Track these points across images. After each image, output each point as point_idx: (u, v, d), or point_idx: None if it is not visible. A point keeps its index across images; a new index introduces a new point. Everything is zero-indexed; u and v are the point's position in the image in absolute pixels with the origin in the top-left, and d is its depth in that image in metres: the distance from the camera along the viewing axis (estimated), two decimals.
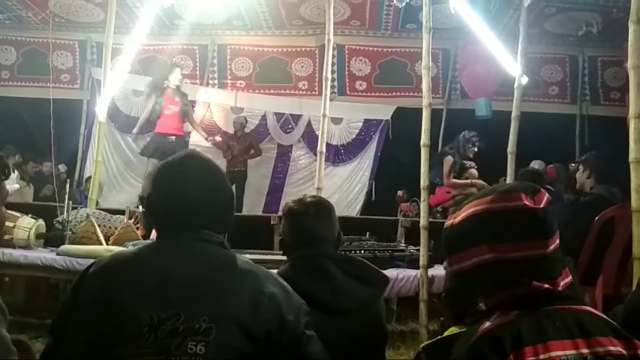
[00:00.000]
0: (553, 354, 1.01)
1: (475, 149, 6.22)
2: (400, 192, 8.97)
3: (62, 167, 8.11)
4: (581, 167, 3.69)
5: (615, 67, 8.29)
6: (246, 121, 8.12)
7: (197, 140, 8.24)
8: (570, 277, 1.14)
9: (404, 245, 4.98)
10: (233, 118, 8.24)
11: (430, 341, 1.72)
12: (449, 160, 6.03)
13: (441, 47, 8.18)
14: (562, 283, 1.12)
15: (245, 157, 7.86)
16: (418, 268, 4.27)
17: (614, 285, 2.90)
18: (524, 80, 5.46)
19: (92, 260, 1.38)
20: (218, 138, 7.54)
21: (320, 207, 1.93)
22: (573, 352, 1.02)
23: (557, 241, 1.13)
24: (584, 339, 1.03)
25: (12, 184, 7.30)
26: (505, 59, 5.88)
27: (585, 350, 1.02)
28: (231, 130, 8.13)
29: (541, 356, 1.01)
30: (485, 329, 1.07)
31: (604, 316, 1.11)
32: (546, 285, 1.09)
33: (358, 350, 1.78)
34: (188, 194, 1.36)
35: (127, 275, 1.28)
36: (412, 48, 7.94)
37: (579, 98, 8.48)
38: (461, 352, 1.07)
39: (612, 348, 1.03)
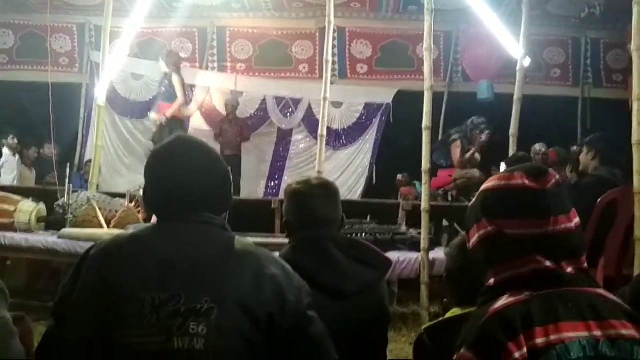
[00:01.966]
0: (564, 335, 1.00)
1: (483, 137, 6.18)
2: (400, 176, 8.95)
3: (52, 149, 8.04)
4: (585, 149, 3.67)
5: (617, 50, 8.23)
6: (238, 103, 8.03)
7: (198, 125, 8.23)
8: (585, 262, 1.13)
9: (405, 228, 4.99)
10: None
11: (432, 323, 1.73)
12: (457, 145, 6.00)
13: (443, 29, 8.10)
14: (570, 265, 1.10)
15: (237, 140, 7.78)
16: (419, 251, 4.28)
17: (616, 266, 2.91)
18: (526, 62, 5.43)
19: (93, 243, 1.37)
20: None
21: (327, 190, 1.91)
22: (585, 333, 1.01)
23: (567, 224, 1.12)
24: (597, 322, 1.03)
25: (13, 168, 7.30)
26: (507, 41, 5.84)
27: (597, 333, 1.01)
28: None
29: (552, 337, 1.00)
30: (495, 309, 1.06)
31: (617, 299, 1.10)
32: (547, 263, 1.08)
33: (360, 333, 1.78)
34: (179, 178, 1.35)
35: (127, 257, 1.27)
36: (414, 30, 7.85)
37: (581, 80, 8.43)
38: (471, 332, 1.07)
39: (624, 331, 1.02)
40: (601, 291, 1.10)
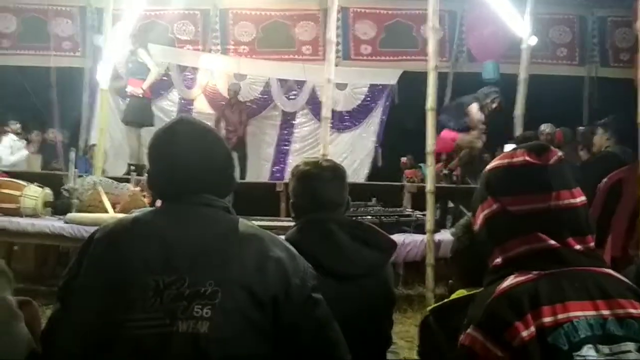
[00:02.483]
0: (572, 314, 1.00)
1: (495, 105, 6.16)
2: (404, 159, 8.93)
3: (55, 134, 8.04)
4: (600, 130, 3.66)
5: (625, 28, 8.12)
6: (240, 88, 7.99)
7: (201, 108, 8.21)
8: (592, 242, 1.12)
9: (410, 210, 4.99)
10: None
11: (438, 304, 1.73)
12: (474, 107, 5.95)
13: (448, 8, 7.99)
14: (577, 243, 1.10)
15: (241, 125, 7.75)
16: (424, 233, 4.28)
17: (622, 247, 2.89)
18: (532, 41, 5.37)
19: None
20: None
21: (335, 172, 1.90)
22: (593, 312, 1.01)
23: (570, 199, 1.11)
24: (605, 300, 1.02)
25: (21, 152, 7.32)
26: (513, 20, 5.76)
27: (605, 312, 1.01)
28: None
29: (559, 316, 1.00)
30: (502, 289, 1.06)
31: (625, 279, 1.10)
32: (552, 242, 1.08)
33: (366, 315, 1.78)
34: (181, 160, 1.34)
35: (131, 240, 1.27)
36: (418, 10, 7.77)
37: (587, 60, 8.34)
38: (478, 311, 1.07)
39: (632, 310, 1.02)
40: (609, 270, 1.10)
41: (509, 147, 4.33)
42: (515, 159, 1.15)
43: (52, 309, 1.32)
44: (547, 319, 1.00)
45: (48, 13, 7.81)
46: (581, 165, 3.92)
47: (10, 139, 7.36)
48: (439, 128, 5.99)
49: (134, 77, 6.72)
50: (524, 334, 0.99)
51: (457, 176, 6.85)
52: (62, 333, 1.25)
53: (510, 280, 1.07)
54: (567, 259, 1.08)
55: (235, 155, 6.92)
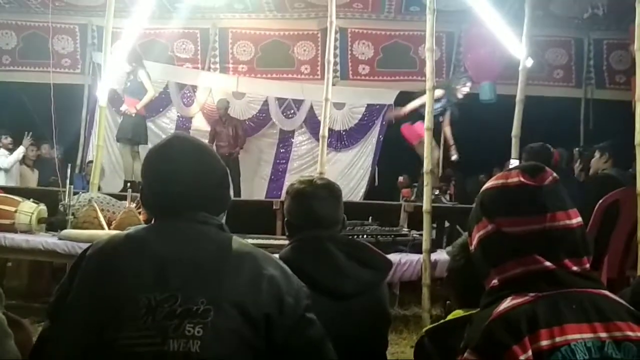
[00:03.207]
0: (569, 336, 0.99)
1: (466, 89, 6.22)
2: (401, 178, 8.94)
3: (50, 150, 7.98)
4: (598, 154, 3.68)
5: (620, 50, 8.21)
6: (228, 103, 7.88)
7: (199, 126, 8.23)
8: (587, 263, 1.12)
9: (406, 230, 4.97)
10: (235, 104, 8.15)
11: (434, 325, 1.71)
12: (438, 94, 6.03)
13: (445, 30, 8.09)
14: (574, 265, 1.09)
15: (231, 144, 7.63)
16: (421, 253, 4.26)
17: (619, 268, 2.89)
18: (529, 63, 5.40)
19: None
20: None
21: (330, 190, 1.90)
22: (590, 335, 1.00)
23: (565, 220, 1.11)
24: (602, 323, 1.01)
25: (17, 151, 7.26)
26: (509, 42, 5.81)
27: (603, 334, 1.00)
28: (233, 114, 8.07)
29: (557, 339, 0.99)
30: (499, 311, 1.05)
31: (622, 300, 1.09)
32: (547, 263, 1.07)
33: (360, 334, 1.76)
34: (175, 177, 1.33)
35: (123, 257, 1.26)
36: (416, 31, 7.86)
37: (584, 81, 8.41)
38: (475, 334, 1.06)
39: (630, 333, 1.01)
40: (605, 292, 1.09)
41: (514, 163, 4.34)
42: (509, 180, 1.15)
43: (43, 326, 1.30)
44: (545, 342, 0.99)
45: (48, 30, 7.86)
46: (578, 187, 3.93)
47: (1, 154, 7.33)
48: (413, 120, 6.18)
49: (131, 97, 6.74)
50: (522, 357, 0.98)
51: (450, 195, 6.85)
52: (52, 351, 1.23)
53: (507, 303, 1.06)
54: (563, 280, 1.07)
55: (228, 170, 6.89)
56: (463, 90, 6.18)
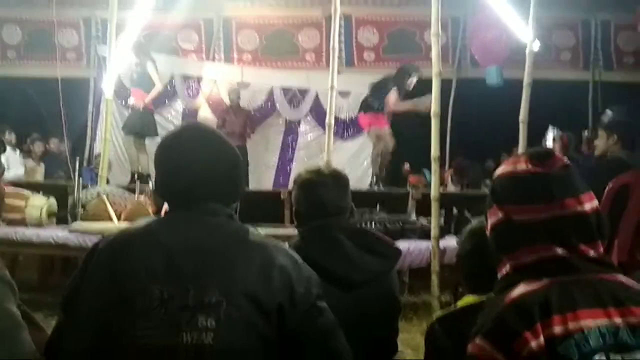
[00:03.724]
0: (583, 322, 0.98)
1: (415, 80, 6.29)
2: (406, 165, 8.92)
3: (58, 144, 8.01)
4: (605, 134, 3.57)
5: (628, 31, 8.12)
6: (239, 93, 7.93)
7: (205, 117, 8.22)
8: (601, 247, 1.11)
9: (414, 217, 4.97)
10: (239, 93, 8.14)
11: (444, 312, 1.72)
12: (392, 96, 6.14)
13: (450, 14, 8.01)
14: (590, 250, 1.08)
15: (242, 131, 7.68)
16: (429, 239, 4.26)
17: (629, 251, 2.86)
18: (536, 46, 5.34)
19: None
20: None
21: (337, 179, 1.90)
22: (605, 321, 0.99)
23: (577, 207, 1.09)
24: (617, 308, 1.00)
25: (16, 162, 7.28)
26: (515, 25, 5.75)
27: (618, 320, 0.99)
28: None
29: (570, 325, 0.98)
30: (512, 297, 1.05)
31: (637, 285, 1.08)
32: (559, 250, 1.07)
33: (371, 323, 1.77)
34: (186, 167, 1.33)
35: (135, 250, 1.26)
36: (421, 16, 7.79)
37: (591, 64, 8.33)
38: (487, 321, 1.05)
39: None
40: (621, 277, 1.08)
41: (552, 133, 4.20)
42: (518, 167, 1.14)
43: (56, 320, 1.31)
44: (558, 329, 0.98)
45: (53, 24, 7.86)
46: (587, 171, 3.88)
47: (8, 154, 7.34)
48: (367, 109, 6.30)
49: (138, 88, 6.74)
50: (533, 344, 0.98)
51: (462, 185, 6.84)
52: (66, 343, 1.24)
53: (520, 289, 1.05)
54: (577, 266, 1.06)
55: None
56: (411, 82, 6.27)
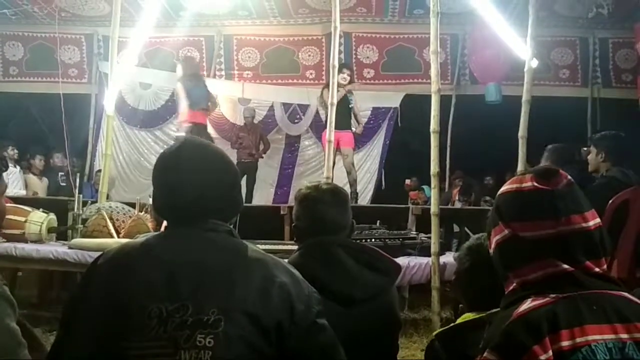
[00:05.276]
0: (590, 337, 1.00)
1: (345, 75, 6.48)
2: (408, 181, 8.93)
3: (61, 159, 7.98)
4: (593, 149, 3.59)
5: (626, 49, 8.17)
6: (254, 112, 8.08)
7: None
8: (605, 264, 1.12)
9: (414, 233, 4.96)
10: (241, 110, 8.22)
11: (444, 328, 1.71)
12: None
13: (449, 32, 8.09)
14: (595, 266, 1.10)
15: (255, 149, 7.77)
16: (429, 255, 4.25)
17: (629, 269, 2.86)
18: (534, 63, 5.38)
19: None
20: None
21: (336, 195, 1.91)
22: (612, 336, 1.00)
23: (582, 223, 1.11)
24: (623, 324, 1.02)
25: (17, 179, 7.27)
26: (514, 42, 5.80)
27: (624, 336, 1.00)
28: (240, 122, 8.13)
29: (578, 339, 1.00)
30: (520, 312, 1.06)
31: None
32: (565, 266, 1.08)
33: (371, 339, 1.77)
34: (183, 184, 1.32)
35: (134, 266, 1.26)
36: (420, 34, 7.87)
37: (590, 81, 8.37)
38: (495, 335, 1.06)
39: None
40: (625, 294, 1.09)
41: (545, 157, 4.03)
42: (523, 184, 1.16)
43: (56, 336, 1.31)
44: (565, 343, 0.99)
45: (55, 41, 7.92)
46: (584, 188, 3.87)
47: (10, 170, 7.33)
48: None
49: (194, 109, 6.74)
50: (542, 358, 0.99)
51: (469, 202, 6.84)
52: (65, 359, 1.24)
53: (527, 304, 1.07)
54: (583, 282, 1.08)
55: (244, 177, 6.93)
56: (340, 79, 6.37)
